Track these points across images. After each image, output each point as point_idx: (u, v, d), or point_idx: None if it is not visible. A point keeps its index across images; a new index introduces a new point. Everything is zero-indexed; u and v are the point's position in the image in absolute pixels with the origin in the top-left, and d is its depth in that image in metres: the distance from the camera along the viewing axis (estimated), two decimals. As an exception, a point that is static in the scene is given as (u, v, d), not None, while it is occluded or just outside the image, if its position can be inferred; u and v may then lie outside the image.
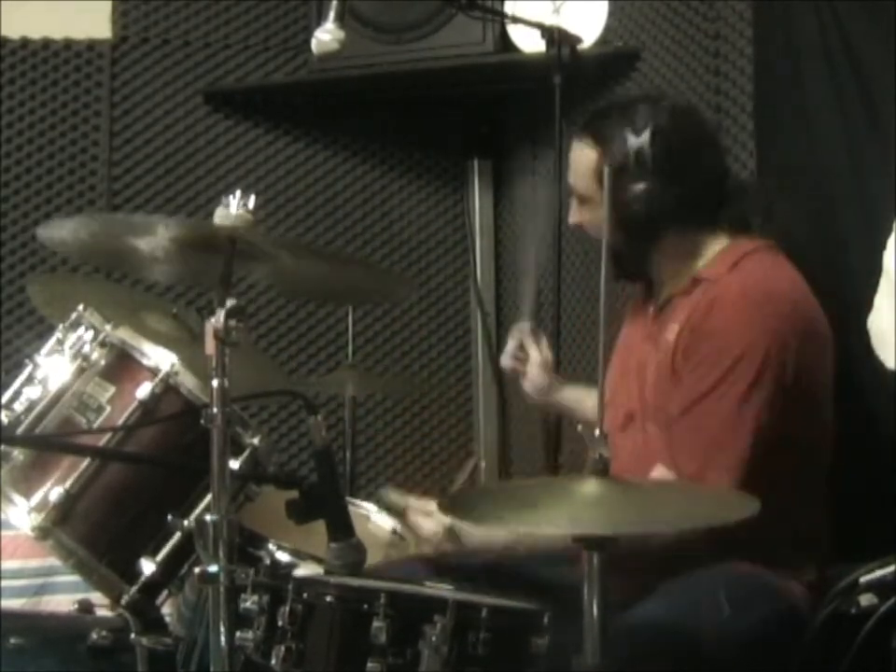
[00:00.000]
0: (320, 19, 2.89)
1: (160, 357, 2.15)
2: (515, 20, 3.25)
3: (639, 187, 2.24)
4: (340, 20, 2.67)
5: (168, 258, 2.01)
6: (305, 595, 1.74)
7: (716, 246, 2.30)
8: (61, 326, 2.25)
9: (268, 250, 1.89)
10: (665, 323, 2.29)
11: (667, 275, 2.33)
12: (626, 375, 2.37)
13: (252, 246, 1.85)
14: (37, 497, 2.10)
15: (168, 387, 2.13)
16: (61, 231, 2.09)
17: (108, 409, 2.14)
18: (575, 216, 2.38)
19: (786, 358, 2.14)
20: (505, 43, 3.45)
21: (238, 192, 1.85)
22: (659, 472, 2.18)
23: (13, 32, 3.54)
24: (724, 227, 2.31)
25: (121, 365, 2.17)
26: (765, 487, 1.90)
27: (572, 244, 3.38)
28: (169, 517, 2.03)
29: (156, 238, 1.94)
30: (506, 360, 2.66)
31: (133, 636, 2.09)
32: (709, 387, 2.14)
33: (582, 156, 2.31)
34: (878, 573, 1.93)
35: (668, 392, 2.21)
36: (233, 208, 1.84)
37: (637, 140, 2.24)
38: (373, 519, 2.75)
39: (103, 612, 2.26)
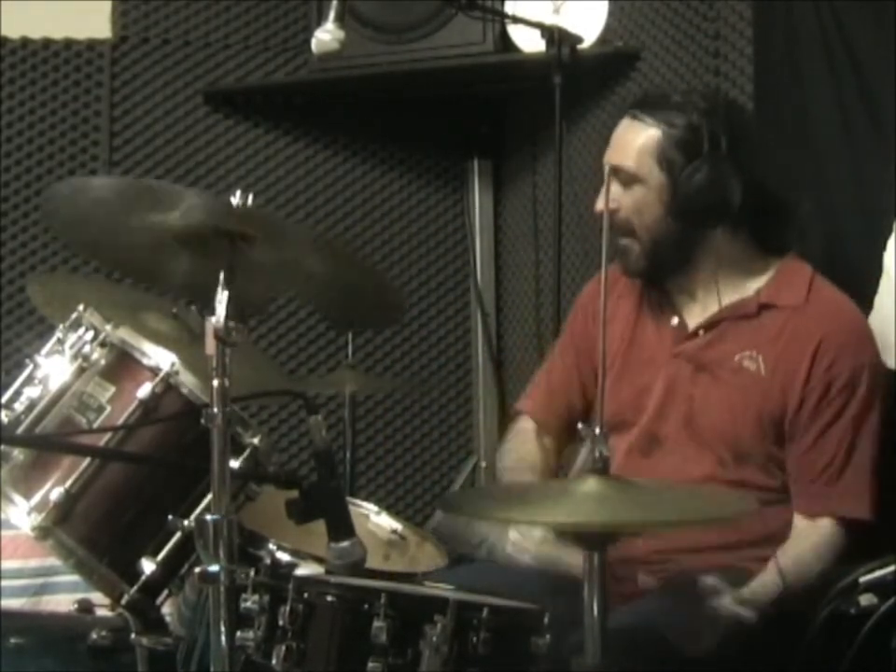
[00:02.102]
0: (320, 19, 2.89)
1: (160, 357, 2.15)
2: (515, 20, 3.25)
3: (703, 170, 2.19)
4: (340, 20, 2.67)
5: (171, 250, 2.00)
6: (306, 594, 1.74)
7: (769, 264, 2.27)
8: (61, 326, 2.24)
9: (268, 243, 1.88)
10: (715, 344, 2.24)
11: (715, 285, 2.26)
12: (634, 382, 2.33)
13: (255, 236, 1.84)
14: (38, 496, 2.10)
15: (168, 387, 2.13)
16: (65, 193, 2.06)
17: (108, 409, 2.14)
18: (610, 200, 2.21)
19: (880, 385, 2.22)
20: (505, 43, 3.45)
21: (238, 193, 1.84)
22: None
23: (13, 32, 3.54)
24: (772, 242, 2.29)
25: (121, 365, 2.17)
26: None
27: (572, 243, 3.39)
28: (169, 517, 2.03)
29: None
30: None
31: (133, 636, 2.09)
32: (851, 440, 2.18)
33: (639, 134, 2.24)
34: (878, 573, 1.93)
35: (759, 428, 2.20)
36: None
37: (706, 121, 2.20)
38: (373, 519, 2.75)
39: (103, 612, 2.25)
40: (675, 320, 2.30)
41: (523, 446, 2.48)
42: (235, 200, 1.81)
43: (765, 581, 2.10)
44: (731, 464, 2.21)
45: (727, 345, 2.24)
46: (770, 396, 2.19)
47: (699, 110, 2.21)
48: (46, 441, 2.17)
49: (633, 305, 2.38)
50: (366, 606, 1.71)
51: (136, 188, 2.09)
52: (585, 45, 3.12)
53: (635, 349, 2.35)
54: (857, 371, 2.18)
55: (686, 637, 2.01)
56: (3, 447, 2.12)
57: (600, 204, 2.18)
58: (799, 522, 2.19)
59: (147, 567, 2.08)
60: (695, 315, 2.29)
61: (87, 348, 2.18)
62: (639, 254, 2.26)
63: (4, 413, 2.19)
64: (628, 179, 2.25)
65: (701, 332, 2.27)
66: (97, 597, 2.25)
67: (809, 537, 2.17)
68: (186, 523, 2.02)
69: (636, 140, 2.24)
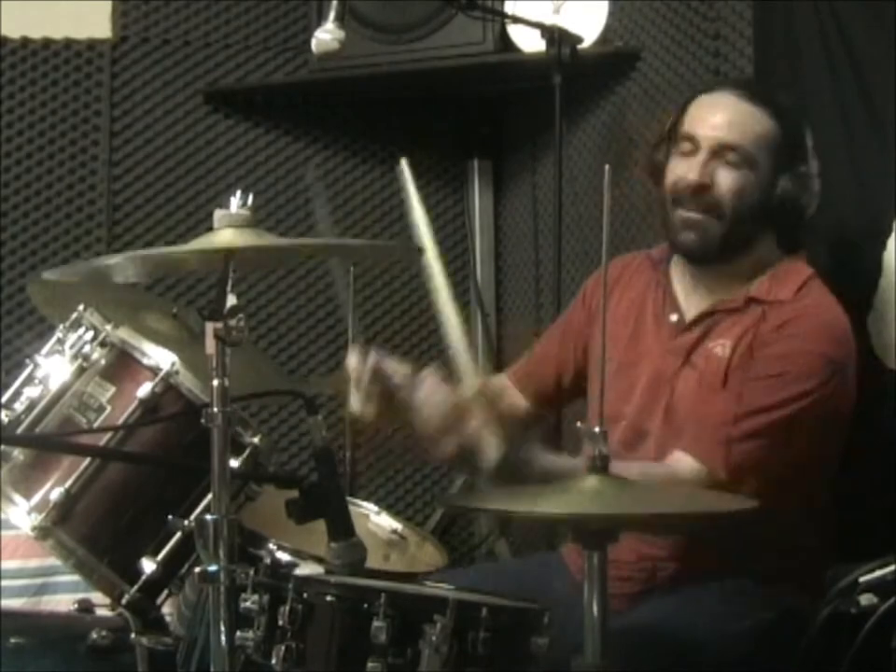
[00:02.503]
0: (320, 19, 2.89)
1: (160, 357, 2.15)
2: (515, 19, 3.25)
3: (800, 178, 2.23)
4: (340, 20, 2.67)
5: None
6: (305, 594, 1.74)
7: (772, 264, 2.26)
8: (61, 326, 2.25)
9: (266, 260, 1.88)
10: (702, 337, 2.24)
11: (725, 279, 2.26)
12: (629, 376, 2.32)
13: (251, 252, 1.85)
14: (38, 496, 2.10)
15: (168, 387, 2.13)
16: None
17: (109, 408, 2.14)
18: (705, 174, 2.20)
19: (842, 392, 2.16)
20: (505, 43, 3.45)
21: (238, 193, 1.84)
22: (679, 459, 2.12)
23: (13, 32, 3.54)
24: (789, 244, 2.29)
25: (122, 365, 2.17)
26: (789, 502, 2.02)
27: (572, 243, 3.39)
28: (169, 517, 2.02)
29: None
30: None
31: (133, 635, 2.09)
32: (770, 405, 2.11)
33: (758, 120, 2.22)
34: (878, 573, 1.93)
35: (711, 401, 2.17)
36: (233, 210, 1.82)
37: (807, 132, 2.26)
38: (373, 519, 2.75)
39: (103, 612, 2.25)
40: (674, 317, 2.30)
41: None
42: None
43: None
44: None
45: (709, 338, 2.24)
46: (734, 376, 2.17)
47: (800, 119, 2.28)
48: (46, 441, 2.17)
49: (635, 298, 2.37)
50: (365, 605, 1.71)
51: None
52: (585, 45, 3.11)
53: (635, 343, 2.34)
54: (818, 358, 2.14)
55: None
56: (3, 447, 2.12)
57: (703, 177, 2.20)
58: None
59: (147, 566, 2.08)
60: (694, 308, 2.29)
61: (87, 348, 2.18)
62: (717, 235, 2.22)
63: (4, 412, 2.19)
64: (739, 160, 2.21)
65: (693, 327, 2.27)
66: (97, 597, 2.25)
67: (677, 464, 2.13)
68: (186, 523, 2.01)
69: (756, 125, 2.22)
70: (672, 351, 2.27)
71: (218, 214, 1.80)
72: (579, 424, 1.71)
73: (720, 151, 2.20)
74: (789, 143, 2.23)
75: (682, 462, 2.11)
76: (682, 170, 2.23)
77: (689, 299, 2.30)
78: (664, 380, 2.26)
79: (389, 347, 3.87)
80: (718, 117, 2.23)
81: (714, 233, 2.22)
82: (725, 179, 2.21)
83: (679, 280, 2.33)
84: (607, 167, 1.86)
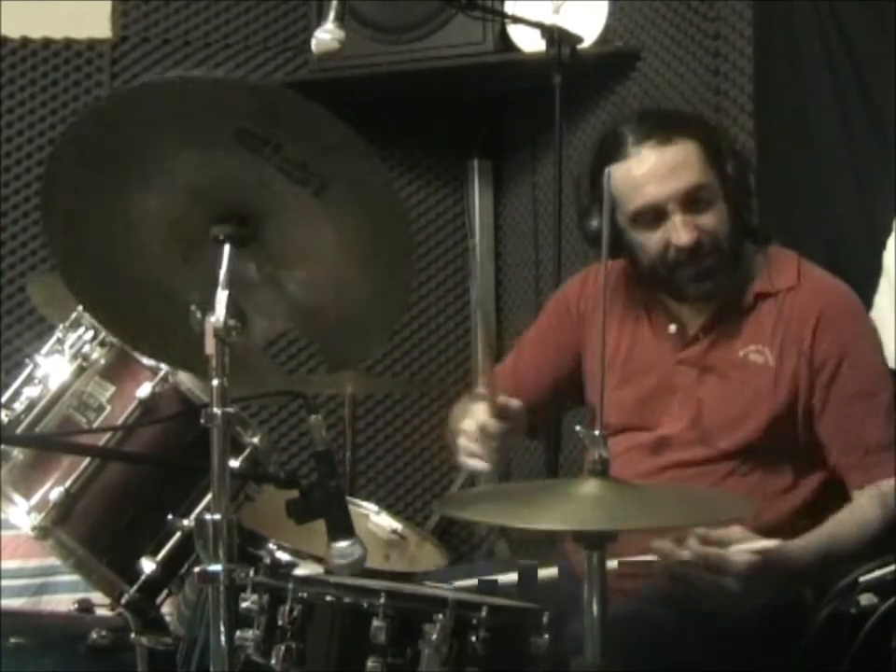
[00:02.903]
0: (320, 19, 2.89)
1: (160, 357, 2.15)
2: (515, 19, 3.26)
3: (739, 163, 2.21)
4: (340, 20, 2.67)
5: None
6: (305, 594, 1.74)
7: (756, 255, 2.26)
8: (61, 326, 2.25)
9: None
10: (713, 345, 2.23)
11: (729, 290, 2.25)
12: (636, 386, 2.30)
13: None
14: (37, 496, 2.10)
15: (168, 387, 2.13)
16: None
17: (108, 408, 2.14)
18: (686, 232, 2.15)
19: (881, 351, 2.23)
20: (505, 43, 3.45)
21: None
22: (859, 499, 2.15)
23: (13, 32, 3.54)
24: (757, 231, 2.27)
25: (121, 364, 2.17)
26: None
27: (572, 243, 3.39)
28: (169, 517, 2.03)
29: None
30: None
31: (132, 635, 2.09)
32: (858, 387, 2.15)
33: (688, 151, 2.16)
34: (878, 573, 1.93)
35: (785, 412, 2.18)
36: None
37: (709, 125, 2.26)
38: (373, 519, 2.75)
39: (103, 612, 2.25)
40: (672, 327, 2.28)
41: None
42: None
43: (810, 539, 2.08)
44: (739, 462, 2.20)
45: (729, 343, 2.23)
46: (781, 383, 2.18)
47: (697, 120, 2.27)
48: (46, 441, 2.17)
49: (624, 310, 2.35)
50: (365, 605, 1.71)
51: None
52: (585, 45, 3.12)
53: (633, 358, 2.32)
54: (859, 340, 2.19)
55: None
56: (3, 447, 2.12)
57: (689, 236, 2.14)
58: (858, 496, 2.16)
59: (147, 566, 2.08)
60: (692, 319, 2.28)
61: (87, 348, 2.18)
62: (725, 270, 2.21)
63: (4, 412, 2.19)
64: (708, 196, 2.18)
65: (701, 335, 2.26)
66: (97, 597, 2.25)
67: (858, 503, 2.14)
68: (186, 523, 2.02)
69: (690, 156, 2.17)
70: (684, 362, 2.26)
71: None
72: (578, 427, 1.71)
73: (689, 199, 2.16)
74: (707, 141, 2.19)
75: (866, 499, 2.13)
76: (659, 239, 2.18)
77: (687, 309, 2.29)
78: (682, 391, 2.25)
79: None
80: (660, 172, 2.16)
81: (723, 269, 2.20)
82: (708, 220, 2.17)
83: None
84: (606, 169, 1.86)
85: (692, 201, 2.16)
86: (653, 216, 2.17)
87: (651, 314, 2.32)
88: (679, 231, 2.15)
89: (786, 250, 2.29)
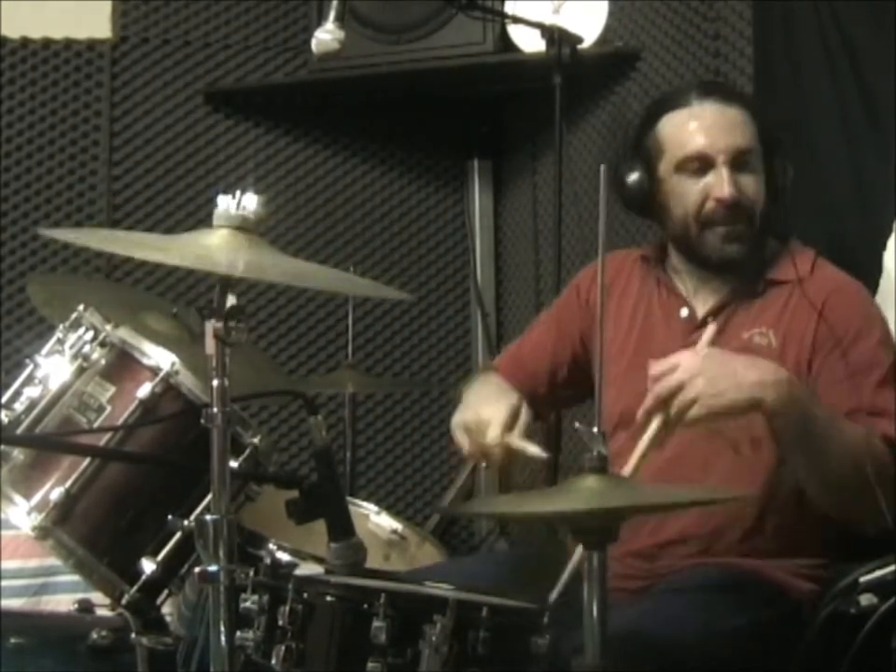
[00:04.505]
0: (320, 19, 2.89)
1: (160, 357, 2.15)
2: (515, 20, 3.25)
3: (782, 156, 2.26)
4: (340, 20, 2.67)
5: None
6: (305, 594, 1.74)
7: (775, 249, 2.28)
8: (61, 326, 2.25)
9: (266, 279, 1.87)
10: (723, 328, 2.23)
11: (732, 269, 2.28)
12: (644, 376, 2.31)
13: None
14: (38, 496, 2.10)
15: (168, 387, 2.13)
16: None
17: (109, 408, 2.14)
18: (730, 187, 2.20)
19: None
20: (505, 43, 3.45)
21: (237, 193, 1.83)
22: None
23: (13, 32, 3.54)
24: (778, 226, 2.30)
25: (122, 365, 2.17)
26: None
27: (572, 243, 3.39)
28: (169, 517, 2.02)
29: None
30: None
31: (133, 635, 2.09)
32: (858, 355, 2.16)
33: (747, 122, 2.24)
34: (878, 573, 1.93)
35: None
36: (231, 209, 1.81)
37: (760, 113, 2.27)
38: (373, 519, 2.76)
39: (103, 612, 2.25)
40: (684, 311, 2.30)
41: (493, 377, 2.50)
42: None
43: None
44: (745, 449, 2.20)
45: (736, 327, 2.24)
46: (784, 365, 2.18)
47: (762, 108, 2.31)
48: (46, 441, 2.17)
49: (637, 298, 2.37)
50: (365, 606, 1.71)
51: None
52: (585, 45, 3.12)
53: (645, 342, 2.33)
54: (868, 323, 2.20)
55: None
56: (3, 447, 2.12)
57: (725, 191, 2.19)
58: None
59: (147, 566, 2.08)
60: (703, 303, 2.29)
61: (87, 348, 2.18)
62: (753, 240, 2.24)
63: (4, 412, 2.19)
64: (755, 163, 2.24)
65: (710, 320, 2.26)
66: (97, 597, 2.25)
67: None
68: (186, 523, 2.01)
69: (748, 126, 2.24)
70: (691, 345, 2.26)
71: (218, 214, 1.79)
72: (577, 424, 1.71)
73: (738, 160, 2.21)
74: (765, 135, 2.26)
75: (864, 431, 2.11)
76: (700, 190, 2.22)
77: (698, 293, 2.31)
78: None
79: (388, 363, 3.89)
80: (718, 126, 2.23)
81: (750, 239, 2.23)
82: (750, 185, 2.22)
83: (683, 276, 2.33)
84: (602, 167, 1.86)
85: (740, 162, 2.21)
86: (700, 165, 2.22)
87: (663, 300, 2.34)
88: (723, 184, 2.20)
89: (805, 246, 2.31)
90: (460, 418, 2.26)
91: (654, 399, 2.00)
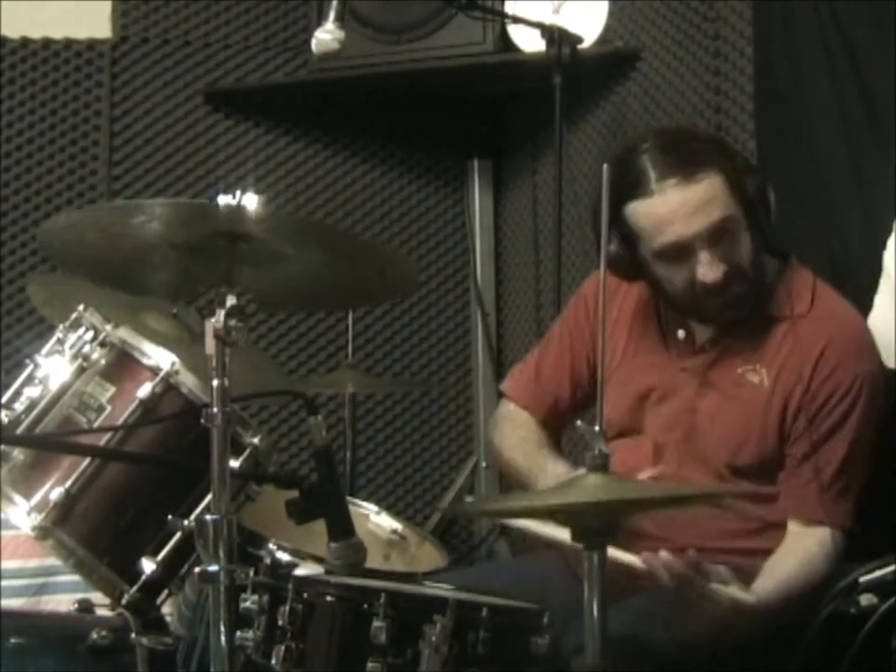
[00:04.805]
0: (320, 19, 2.89)
1: (160, 357, 2.15)
2: (515, 19, 3.26)
3: (759, 188, 2.16)
4: (340, 20, 2.67)
5: (167, 261, 1.99)
6: (305, 594, 1.74)
7: (774, 277, 2.24)
8: (61, 326, 2.24)
9: (271, 239, 1.86)
10: (718, 358, 2.23)
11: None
12: (636, 387, 2.30)
13: (254, 241, 1.84)
14: (38, 496, 2.10)
15: (168, 387, 2.13)
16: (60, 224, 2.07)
17: (109, 408, 2.14)
18: (714, 269, 2.12)
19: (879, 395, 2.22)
20: (505, 43, 3.45)
21: (237, 192, 1.83)
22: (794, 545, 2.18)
23: (13, 32, 3.54)
24: (776, 248, 2.26)
25: (122, 365, 2.17)
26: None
27: (572, 243, 3.39)
28: (169, 517, 2.03)
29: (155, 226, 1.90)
30: None
31: (133, 635, 2.09)
32: (833, 427, 2.17)
33: (713, 186, 2.12)
34: (878, 573, 1.93)
35: (773, 433, 2.19)
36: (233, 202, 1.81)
37: (726, 151, 2.20)
38: (373, 519, 2.75)
39: (103, 612, 2.25)
40: (681, 333, 2.28)
41: (523, 428, 2.44)
42: (219, 201, 1.79)
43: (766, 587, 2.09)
44: (728, 480, 2.20)
45: (732, 359, 2.23)
46: (772, 406, 2.19)
47: (717, 145, 2.22)
48: (46, 441, 2.17)
49: (636, 308, 2.36)
50: (365, 606, 1.71)
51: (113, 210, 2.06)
52: (585, 45, 3.12)
53: (638, 357, 2.33)
54: (857, 381, 2.17)
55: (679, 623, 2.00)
56: (3, 447, 2.12)
57: (711, 275, 2.12)
58: (794, 527, 2.18)
59: (147, 566, 2.08)
60: (703, 329, 2.27)
61: (87, 348, 2.18)
62: (752, 295, 2.20)
63: (4, 412, 2.19)
64: (735, 228, 2.15)
65: (708, 347, 2.26)
66: (97, 597, 2.25)
67: (805, 545, 2.16)
68: (186, 523, 2.02)
69: (716, 190, 2.13)
70: (687, 370, 2.27)
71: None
72: (578, 423, 1.71)
73: (716, 235, 2.13)
74: (729, 170, 2.15)
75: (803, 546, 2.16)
76: (686, 276, 2.16)
77: (689, 322, 2.29)
78: (681, 398, 2.26)
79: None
80: (686, 212, 2.12)
81: (750, 294, 2.20)
82: (736, 251, 2.15)
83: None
84: (605, 167, 1.85)
85: (718, 236, 2.13)
86: (679, 252, 2.14)
87: (661, 316, 2.33)
88: (706, 269, 2.12)
89: (803, 270, 2.28)
90: None
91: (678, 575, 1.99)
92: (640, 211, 2.15)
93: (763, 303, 2.24)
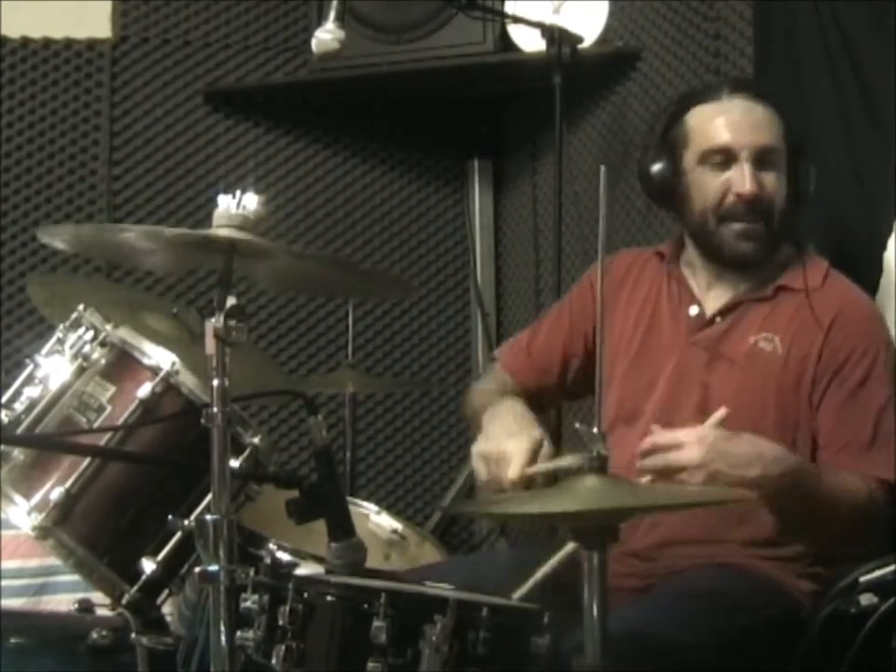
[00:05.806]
0: (320, 19, 2.89)
1: (160, 357, 2.15)
2: (515, 19, 3.26)
3: (806, 161, 2.27)
4: (340, 20, 2.67)
5: (167, 259, 2.00)
6: (306, 594, 1.74)
7: (789, 256, 2.29)
8: (61, 326, 2.24)
9: (268, 252, 1.88)
10: (730, 329, 2.25)
11: (744, 271, 2.28)
12: (647, 371, 2.32)
13: (252, 248, 1.85)
14: (38, 496, 2.10)
15: (168, 387, 2.13)
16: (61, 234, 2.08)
17: (109, 408, 2.14)
18: (753, 182, 2.21)
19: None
20: (505, 43, 3.45)
21: (237, 192, 1.84)
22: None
23: (13, 32, 3.54)
24: (795, 233, 2.31)
25: (122, 364, 2.17)
26: None
27: (572, 243, 3.39)
28: (169, 517, 2.03)
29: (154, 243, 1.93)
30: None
31: (133, 635, 2.08)
32: (857, 385, 2.17)
33: (775, 122, 2.26)
34: (878, 573, 1.93)
35: (792, 399, 2.19)
36: (232, 208, 1.82)
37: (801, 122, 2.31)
38: (373, 519, 2.76)
39: (103, 612, 2.25)
40: (694, 309, 2.31)
41: (499, 383, 2.46)
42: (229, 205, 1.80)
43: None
44: None
45: (743, 330, 2.25)
46: (786, 373, 2.19)
47: (796, 114, 2.34)
48: (46, 441, 2.17)
49: (648, 293, 2.38)
50: (366, 606, 1.71)
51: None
52: (585, 45, 3.12)
53: (651, 337, 2.34)
54: (874, 344, 2.19)
55: None
56: (3, 447, 2.12)
57: (746, 186, 2.20)
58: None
59: (148, 566, 2.08)
60: (714, 302, 2.30)
61: (87, 348, 2.18)
62: (768, 240, 2.25)
63: (4, 412, 2.19)
64: (777, 162, 2.25)
65: (718, 319, 2.28)
66: (97, 597, 2.25)
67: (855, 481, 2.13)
68: (186, 523, 2.02)
69: (775, 125, 2.26)
70: (698, 343, 2.28)
71: (218, 214, 1.80)
72: (577, 424, 1.71)
73: (761, 157, 2.23)
74: (792, 137, 2.26)
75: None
76: (722, 183, 2.23)
77: (708, 292, 2.31)
78: (691, 373, 2.26)
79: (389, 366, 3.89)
80: (745, 123, 2.24)
81: (766, 238, 2.24)
82: (771, 183, 2.24)
83: (695, 274, 2.34)
84: (602, 168, 1.85)
85: (763, 159, 2.23)
86: (724, 158, 2.24)
87: (673, 297, 2.34)
88: (745, 179, 2.22)
89: (818, 257, 2.32)
90: (482, 448, 2.14)
91: (650, 469, 1.98)
92: (705, 111, 2.27)
93: (773, 274, 2.26)
